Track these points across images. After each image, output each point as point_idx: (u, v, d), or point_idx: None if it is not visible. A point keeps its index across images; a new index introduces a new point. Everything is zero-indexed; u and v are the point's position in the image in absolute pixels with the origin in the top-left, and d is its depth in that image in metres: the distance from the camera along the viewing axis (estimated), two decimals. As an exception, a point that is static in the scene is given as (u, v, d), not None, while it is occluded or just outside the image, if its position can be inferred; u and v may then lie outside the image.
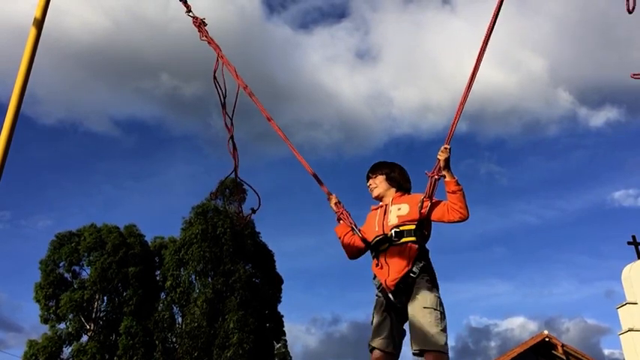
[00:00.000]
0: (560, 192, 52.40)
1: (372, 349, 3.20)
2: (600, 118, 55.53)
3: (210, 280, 22.35)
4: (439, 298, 3.16)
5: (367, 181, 3.64)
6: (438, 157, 3.16)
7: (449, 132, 3.21)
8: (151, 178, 46.09)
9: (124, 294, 22.46)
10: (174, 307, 22.65)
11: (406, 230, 3.26)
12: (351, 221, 3.51)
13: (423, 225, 3.30)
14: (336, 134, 49.96)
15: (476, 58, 3.10)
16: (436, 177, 3.21)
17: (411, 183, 3.60)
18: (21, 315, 45.00)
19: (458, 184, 3.19)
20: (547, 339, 18.69)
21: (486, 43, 3.11)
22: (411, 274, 3.14)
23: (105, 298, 22.75)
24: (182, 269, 22.71)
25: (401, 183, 3.54)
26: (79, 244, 23.01)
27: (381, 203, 3.53)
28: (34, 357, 20.77)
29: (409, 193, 3.52)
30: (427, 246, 3.32)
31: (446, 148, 3.15)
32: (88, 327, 21.99)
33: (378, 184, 3.56)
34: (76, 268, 23.06)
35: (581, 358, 18.68)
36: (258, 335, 21.55)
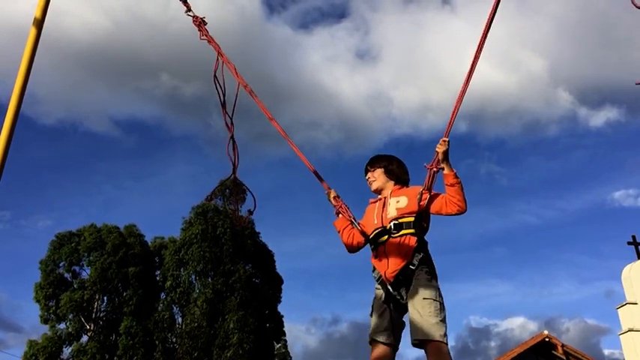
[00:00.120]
0: (560, 192, 52.46)
1: (372, 341, 3.21)
2: (600, 118, 55.60)
3: (210, 280, 22.35)
4: (438, 289, 3.18)
5: (365, 175, 3.65)
6: (437, 149, 3.18)
7: (448, 125, 3.22)
8: (151, 178, 46.13)
9: (124, 294, 22.45)
10: (174, 307, 22.64)
11: (405, 222, 3.27)
12: (350, 215, 3.53)
13: (422, 217, 3.31)
14: (336, 134, 50.00)
15: (477, 45, 3.11)
16: (435, 169, 3.23)
17: (409, 175, 3.62)
18: (21, 315, 45.04)
19: (456, 177, 3.20)
20: (547, 339, 18.70)
21: (489, 26, 3.10)
22: (411, 266, 3.16)
23: (105, 298, 22.74)
24: (182, 269, 22.70)
25: (399, 176, 3.55)
26: (79, 244, 23.00)
27: (379, 196, 3.54)
28: (34, 357, 20.76)
29: (407, 186, 3.53)
30: (426, 238, 3.34)
31: (444, 141, 3.17)
32: (88, 327, 21.98)
33: (377, 178, 3.57)
34: (76, 268, 23.06)
35: (581, 358, 18.68)
36: (258, 335, 21.55)
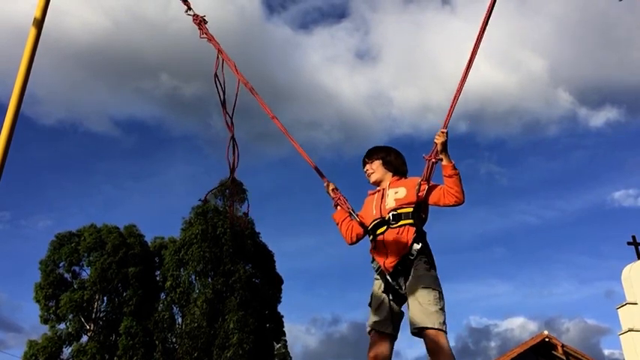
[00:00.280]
0: (560, 192, 52.47)
1: (371, 331, 3.22)
2: (600, 118, 55.60)
3: (210, 280, 22.35)
4: (437, 278, 3.19)
5: (363, 167, 3.65)
6: (435, 140, 3.19)
7: (446, 116, 3.23)
8: (151, 178, 46.14)
9: (124, 294, 22.46)
10: (174, 308, 22.65)
11: (404, 213, 3.28)
12: (349, 206, 3.55)
13: (421, 208, 3.32)
14: (336, 134, 50.01)
15: (477, 35, 3.12)
16: (433, 160, 3.24)
17: (407, 166, 3.63)
18: (21, 315, 45.01)
19: (454, 168, 3.21)
20: (547, 339, 18.69)
21: (488, 17, 3.11)
22: (409, 256, 3.17)
23: (105, 298, 22.75)
24: (182, 269, 22.71)
25: (397, 167, 3.56)
26: (79, 244, 23.01)
27: (378, 188, 3.55)
28: (33, 357, 20.76)
29: (406, 177, 3.54)
30: (425, 229, 3.34)
31: (443, 132, 3.18)
32: (88, 327, 21.98)
33: (375, 169, 3.57)
34: (76, 269, 23.08)
35: (581, 358, 18.67)
36: (258, 335, 21.55)
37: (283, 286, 24.34)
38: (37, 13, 3.12)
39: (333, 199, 3.61)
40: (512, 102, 50.64)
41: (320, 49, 56.75)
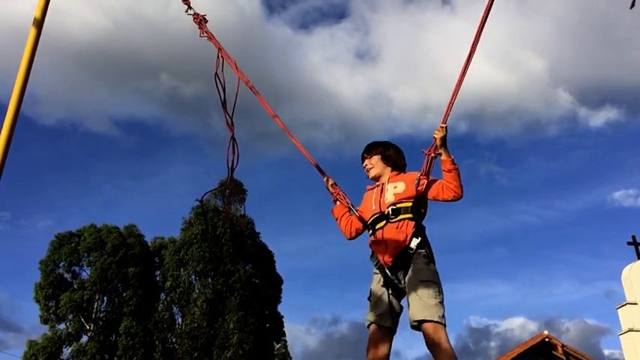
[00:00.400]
0: (560, 192, 52.46)
1: (370, 324, 3.23)
2: (600, 118, 55.57)
3: (210, 280, 22.35)
4: (436, 272, 3.19)
5: (362, 162, 3.66)
6: (434, 135, 3.20)
7: (445, 111, 3.24)
8: (151, 178, 46.14)
9: (124, 294, 22.46)
10: (174, 308, 22.65)
11: (403, 207, 3.29)
12: (348, 201, 3.56)
13: (420, 202, 3.33)
14: (336, 134, 50.01)
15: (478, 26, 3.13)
16: (433, 155, 3.25)
17: (406, 161, 3.63)
18: (21, 315, 44.99)
19: (454, 163, 3.22)
20: (547, 339, 18.68)
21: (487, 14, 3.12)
22: (409, 250, 3.18)
23: (105, 298, 22.75)
24: (182, 269, 22.71)
25: (396, 161, 3.57)
26: (78, 244, 23.01)
27: (377, 183, 3.55)
28: (33, 357, 20.76)
29: (405, 172, 3.55)
30: (424, 224, 3.35)
31: (442, 127, 3.19)
32: (87, 327, 21.99)
33: (374, 165, 3.58)
34: (76, 269, 23.09)
35: (581, 358, 18.67)
36: (258, 335, 21.55)
37: (283, 286, 24.39)
38: (37, 13, 3.12)
39: (332, 194, 3.62)
40: (512, 102, 50.68)
41: (320, 49, 56.81)
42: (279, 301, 24.09)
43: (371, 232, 3.39)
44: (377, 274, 3.32)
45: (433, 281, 3.11)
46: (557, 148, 51.79)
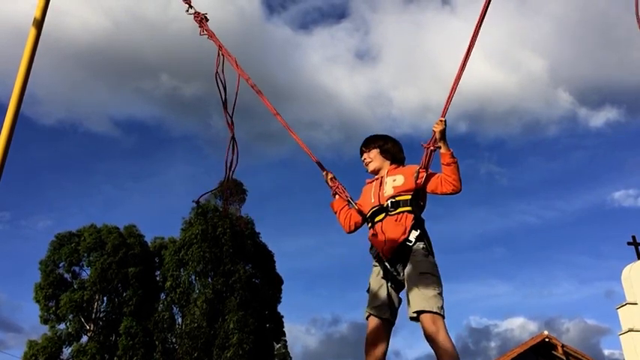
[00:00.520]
0: (560, 192, 52.48)
1: (369, 316, 3.24)
2: (600, 118, 55.63)
3: (210, 280, 22.34)
4: (435, 265, 3.20)
5: (361, 156, 3.66)
6: (434, 128, 3.21)
7: (444, 104, 3.25)
8: (151, 178, 46.15)
9: (124, 294, 22.45)
10: (174, 308, 22.63)
11: (402, 200, 3.30)
12: (347, 195, 3.58)
13: (419, 195, 3.34)
14: (336, 134, 50.01)
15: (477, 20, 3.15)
16: (432, 148, 3.26)
17: (405, 154, 3.64)
18: (21, 315, 44.96)
19: (453, 156, 3.23)
20: (547, 339, 18.68)
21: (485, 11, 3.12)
22: (407, 243, 3.19)
23: (105, 298, 22.74)
24: (182, 270, 22.70)
25: (395, 155, 3.57)
26: (78, 244, 23.00)
27: (376, 176, 3.56)
28: (33, 357, 20.74)
29: (404, 165, 3.56)
30: (423, 216, 3.36)
31: (441, 121, 3.20)
32: (87, 327, 21.98)
33: (373, 158, 3.58)
34: (76, 269, 23.06)
35: (581, 358, 18.67)
36: (258, 336, 21.54)
37: (283, 286, 24.36)
38: (37, 13, 3.12)
39: (332, 188, 3.63)
40: (512, 102, 50.71)
41: (320, 49, 56.83)
42: (279, 301, 24.09)
43: (370, 225, 3.40)
44: (376, 266, 3.33)
45: (432, 273, 3.12)
46: (557, 148, 51.87)
